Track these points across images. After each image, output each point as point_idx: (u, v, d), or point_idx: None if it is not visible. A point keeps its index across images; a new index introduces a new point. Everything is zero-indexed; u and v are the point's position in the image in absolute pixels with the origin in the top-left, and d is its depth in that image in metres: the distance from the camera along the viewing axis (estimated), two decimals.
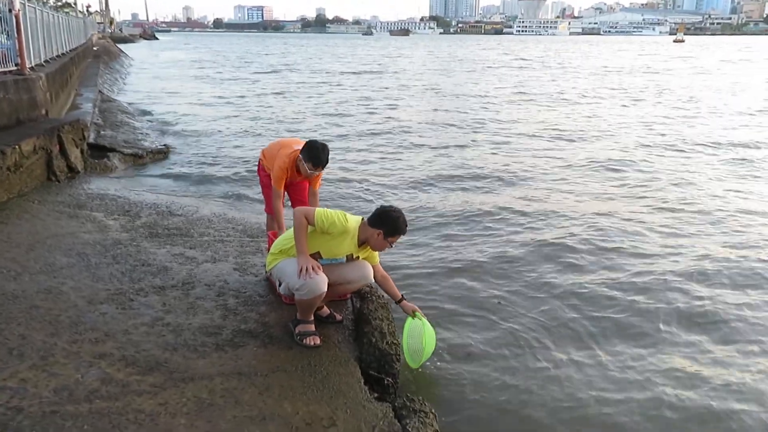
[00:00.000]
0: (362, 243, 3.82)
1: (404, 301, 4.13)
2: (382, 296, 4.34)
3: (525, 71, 38.49)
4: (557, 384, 4.28)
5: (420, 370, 4.18)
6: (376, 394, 3.44)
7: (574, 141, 13.90)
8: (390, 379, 3.70)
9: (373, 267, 3.96)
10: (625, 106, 20.72)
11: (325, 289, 3.68)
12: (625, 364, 4.56)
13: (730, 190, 9.49)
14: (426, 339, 4.01)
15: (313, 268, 3.60)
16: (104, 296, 4.21)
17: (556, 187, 9.55)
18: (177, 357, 3.48)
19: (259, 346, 3.68)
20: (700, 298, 5.63)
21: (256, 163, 5.21)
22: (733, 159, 12.02)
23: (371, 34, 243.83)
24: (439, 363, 4.44)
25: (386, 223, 3.71)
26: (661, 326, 5.11)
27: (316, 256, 3.76)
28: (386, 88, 26.67)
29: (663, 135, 14.70)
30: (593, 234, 7.24)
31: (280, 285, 3.91)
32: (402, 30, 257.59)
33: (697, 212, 8.26)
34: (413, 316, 4.09)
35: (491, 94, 23.92)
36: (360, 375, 3.52)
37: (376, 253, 3.99)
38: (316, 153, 4.30)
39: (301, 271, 3.60)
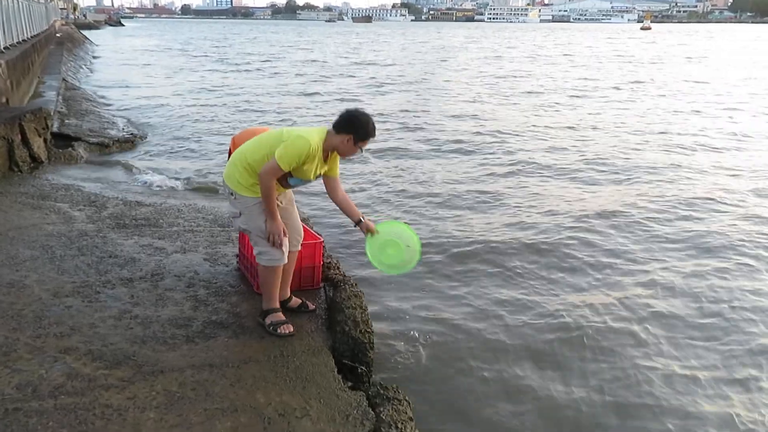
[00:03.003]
0: (327, 154, 3.59)
1: (363, 222, 3.83)
2: (355, 285, 4.31)
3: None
4: (536, 375, 4.33)
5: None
6: (349, 383, 3.41)
7: None
8: (363, 368, 3.69)
9: (333, 184, 3.74)
10: None
11: (286, 261, 3.66)
12: (607, 359, 4.64)
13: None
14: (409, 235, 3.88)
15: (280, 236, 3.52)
16: (69, 289, 4.10)
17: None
18: (146, 350, 3.40)
19: (231, 337, 3.62)
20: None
21: (226, 151, 5.11)
22: None
23: (335, 21, 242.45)
24: (415, 350, 4.45)
25: (357, 128, 3.49)
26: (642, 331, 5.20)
27: (286, 175, 3.52)
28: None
29: None
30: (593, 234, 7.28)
31: (239, 217, 3.63)
32: (364, 17, 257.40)
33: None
34: (372, 234, 3.82)
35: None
36: (333, 364, 3.48)
37: (338, 167, 3.75)
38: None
39: (269, 237, 3.51)
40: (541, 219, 7.48)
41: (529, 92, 20.84)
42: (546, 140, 12.46)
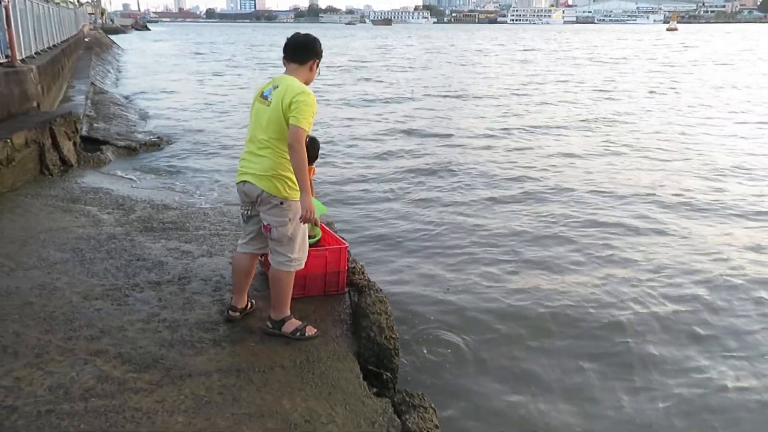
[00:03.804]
0: None
1: None
2: (380, 290, 4.31)
3: None
4: (559, 380, 4.28)
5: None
6: (375, 390, 3.41)
7: None
8: (389, 374, 3.68)
9: None
10: None
11: None
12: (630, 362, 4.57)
13: None
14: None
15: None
16: (99, 292, 4.17)
17: None
18: (173, 353, 3.44)
19: (257, 342, 3.64)
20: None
21: None
22: None
23: (355, 24, 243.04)
24: (441, 357, 4.44)
25: (318, 49, 3.56)
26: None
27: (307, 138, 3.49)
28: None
29: None
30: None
31: (286, 225, 3.50)
32: (384, 20, 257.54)
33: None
34: None
35: None
36: (359, 370, 3.49)
37: None
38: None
39: (305, 214, 3.36)
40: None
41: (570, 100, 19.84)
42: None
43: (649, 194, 8.67)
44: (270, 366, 3.39)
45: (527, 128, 14.26)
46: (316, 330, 3.73)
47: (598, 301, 5.38)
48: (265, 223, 3.54)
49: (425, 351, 4.50)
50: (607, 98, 19.88)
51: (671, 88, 23.02)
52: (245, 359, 3.43)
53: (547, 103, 18.67)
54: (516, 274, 5.96)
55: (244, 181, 3.54)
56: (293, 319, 3.72)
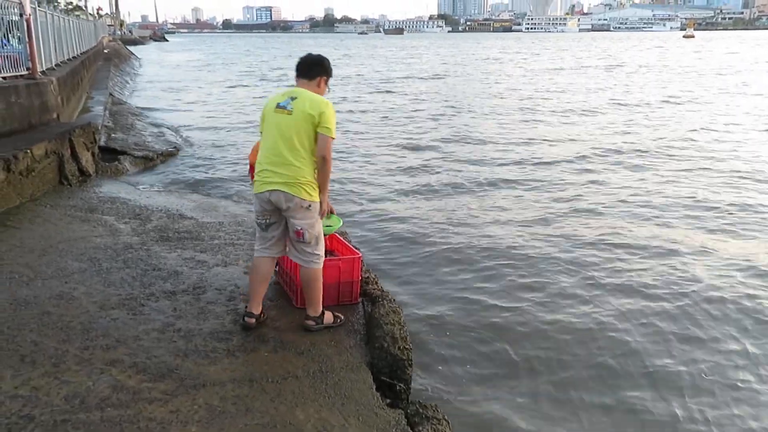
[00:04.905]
0: None
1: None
2: (393, 300, 4.30)
3: None
4: (572, 385, 4.24)
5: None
6: (388, 401, 3.40)
7: None
8: (402, 385, 3.67)
9: None
10: None
11: None
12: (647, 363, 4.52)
13: None
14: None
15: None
16: (115, 301, 4.21)
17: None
18: (188, 363, 3.46)
19: (270, 352, 3.65)
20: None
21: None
22: None
23: (366, 33, 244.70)
24: (453, 369, 4.42)
25: (327, 67, 3.91)
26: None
27: None
28: None
29: None
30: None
31: (314, 226, 3.73)
32: (396, 29, 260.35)
33: None
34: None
35: None
36: (372, 381, 3.48)
37: None
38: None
39: (325, 211, 3.80)
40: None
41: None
42: None
43: None
44: (283, 376, 3.40)
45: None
46: (341, 315, 4.05)
47: (616, 329, 5.35)
48: (298, 228, 3.70)
49: (439, 362, 4.48)
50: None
51: None
52: (259, 369, 3.45)
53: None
54: (535, 287, 5.92)
55: (271, 191, 3.65)
56: (326, 312, 3.94)
